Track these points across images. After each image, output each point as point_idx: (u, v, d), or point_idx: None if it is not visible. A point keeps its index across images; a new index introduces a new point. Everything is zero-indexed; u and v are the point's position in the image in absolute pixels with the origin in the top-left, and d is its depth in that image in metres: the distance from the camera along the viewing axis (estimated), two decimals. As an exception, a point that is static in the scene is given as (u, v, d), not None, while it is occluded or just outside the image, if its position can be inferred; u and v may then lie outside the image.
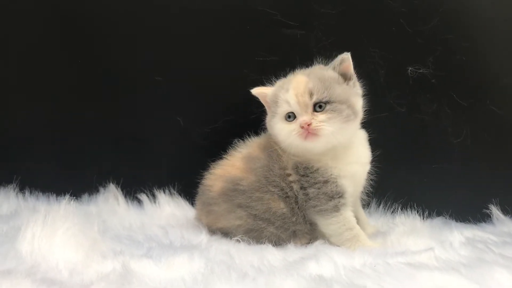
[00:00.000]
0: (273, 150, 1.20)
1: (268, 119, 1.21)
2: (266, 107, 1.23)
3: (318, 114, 1.11)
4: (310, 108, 1.11)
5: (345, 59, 1.17)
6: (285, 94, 1.13)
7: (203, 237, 1.16)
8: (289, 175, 1.18)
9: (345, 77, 1.18)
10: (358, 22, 1.46)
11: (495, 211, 1.43)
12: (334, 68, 1.18)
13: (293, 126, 1.12)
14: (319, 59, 1.27)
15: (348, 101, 1.14)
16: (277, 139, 1.17)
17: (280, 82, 1.22)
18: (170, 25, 1.49)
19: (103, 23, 1.50)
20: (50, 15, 1.51)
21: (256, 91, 1.22)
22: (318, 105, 1.11)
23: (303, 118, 1.10)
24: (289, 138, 1.11)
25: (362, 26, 1.46)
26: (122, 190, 1.47)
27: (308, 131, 1.09)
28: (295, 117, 1.13)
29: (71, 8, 1.50)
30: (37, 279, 0.78)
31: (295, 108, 1.12)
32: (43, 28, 1.51)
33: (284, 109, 1.13)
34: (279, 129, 1.14)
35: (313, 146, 1.12)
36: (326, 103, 1.12)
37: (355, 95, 1.17)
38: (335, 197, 1.15)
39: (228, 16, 1.48)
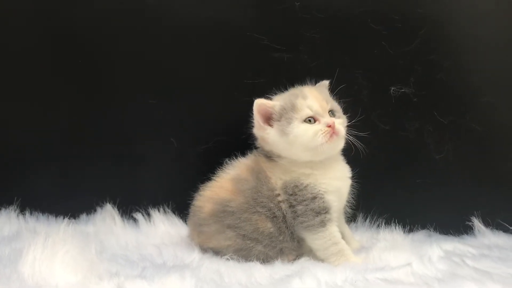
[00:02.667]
0: (261, 171, 1.26)
1: (274, 129, 1.24)
2: (262, 119, 1.25)
3: (334, 118, 1.23)
4: (327, 113, 1.23)
5: (327, 84, 1.34)
6: (305, 101, 1.23)
7: (195, 255, 1.22)
8: (278, 195, 1.25)
9: None
10: (342, 45, 1.52)
11: (476, 223, 1.48)
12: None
13: (319, 126, 1.21)
14: (307, 82, 1.35)
15: (341, 112, 1.29)
16: (295, 142, 1.21)
17: (286, 94, 1.29)
18: (163, 51, 1.55)
19: (100, 48, 1.56)
20: (45, 32, 1.56)
21: (261, 101, 1.26)
22: (331, 112, 1.25)
23: (329, 119, 1.21)
24: (316, 137, 1.20)
25: (346, 48, 1.52)
26: (118, 209, 1.52)
27: (333, 130, 1.19)
28: (314, 121, 1.22)
29: (64, 26, 1.56)
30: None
31: (318, 112, 1.22)
32: (37, 47, 1.57)
33: (305, 113, 1.22)
34: (304, 129, 1.21)
35: (332, 147, 1.22)
36: (335, 112, 1.26)
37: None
38: (321, 212, 1.22)
39: (218, 41, 1.54)
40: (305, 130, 1.21)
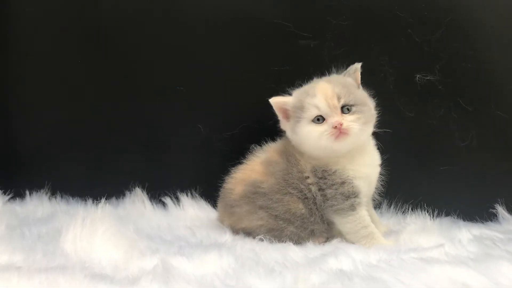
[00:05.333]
0: (291, 154, 1.28)
1: (289, 126, 1.27)
2: (282, 115, 1.29)
3: (346, 116, 1.20)
4: (339, 111, 1.20)
5: (358, 68, 1.28)
6: (313, 99, 1.21)
7: (228, 236, 1.24)
8: (307, 177, 1.26)
9: (357, 84, 1.28)
10: (368, 32, 1.53)
11: (501, 210, 1.49)
12: (349, 76, 1.28)
13: (324, 127, 1.19)
14: (332, 69, 1.35)
15: (367, 103, 1.25)
16: (303, 142, 1.23)
17: (299, 91, 1.29)
18: (190, 38, 1.57)
19: (128, 36, 1.59)
20: (71, 25, 1.60)
21: (276, 99, 1.28)
22: (345, 107, 1.20)
23: (335, 119, 1.18)
24: (321, 139, 1.19)
25: (372, 36, 1.53)
26: (147, 193, 1.55)
27: (340, 130, 1.17)
28: (323, 120, 1.20)
29: (94, 17, 1.59)
30: (88, 274, 0.86)
31: (325, 111, 1.19)
32: (65, 38, 1.60)
33: (312, 112, 1.20)
34: (309, 131, 1.20)
35: (341, 146, 1.20)
36: (352, 106, 1.21)
37: (369, 98, 1.28)
38: (351, 197, 1.23)
39: (245, 28, 1.56)
40: (309, 131, 1.20)
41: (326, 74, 1.36)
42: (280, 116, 1.29)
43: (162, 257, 0.95)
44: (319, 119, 1.20)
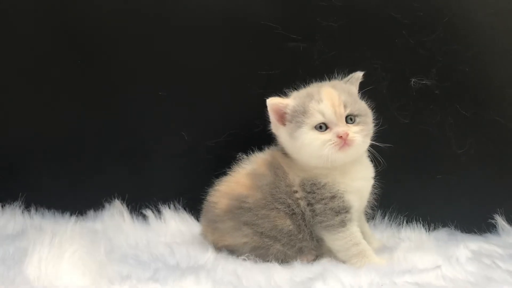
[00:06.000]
0: (279, 167, 1.20)
1: (284, 131, 1.18)
2: (276, 118, 1.20)
3: (351, 126, 1.13)
4: (344, 120, 1.13)
5: (360, 77, 1.23)
6: (319, 105, 1.13)
7: (210, 255, 1.16)
8: (296, 192, 1.19)
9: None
10: (360, 34, 1.46)
11: (500, 221, 1.43)
12: (351, 84, 1.22)
13: (328, 136, 1.12)
14: (336, 75, 1.27)
15: (368, 115, 1.19)
16: (302, 149, 1.15)
17: (301, 93, 1.20)
18: (171, 41, 1.49)
19: (105, 39, 1.50)
20: (48, 28, 1.50)
21: (274, 100, 1.19)
22: (349, 117, 1.14)
23: (341, 128, 1.11)
24: (323, 148, 1.11)
25: (365, 38, 1.46)
26: (127, 205, 1.47)
27: (344, 141, 1.10)
28: (326, 128, 1.13)
29: (72, 20, 1.50)
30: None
31: (331, 119, 1.12)
32: (40, 42, 1.51)
33: (317, 119, 1.13)
34: (311, 138, 1.13)
35: (342, 157, 1.13)
36: (355, 116, 1.15)
37: (370, 110, 1.21)
38: (341, 212, 1.16)
39: (230, 30, 1.48)
40: (312, 139, 1.13)
41: (317, 78, 1.29)
42: (274, 119, 1.20)
43: (132, 285, 0.87)
44: (322, 127, 1.13)
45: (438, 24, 1.43)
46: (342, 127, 1.12)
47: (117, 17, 1.49)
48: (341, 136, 1.10)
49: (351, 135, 1.11)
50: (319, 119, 1.13)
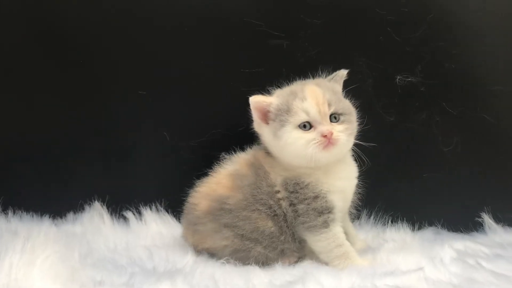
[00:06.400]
0: (260, 167, 1.18)
1: (268, 129, 1.16)
2: (260, 117, 1.17)
3: (335, 125, 1.11)
4: (328, 118, 1.11)
5: (344, 75, 1.21)
6: (303, 103, 1.11)
7: (189, 258, 1.14)
8: (278, 192, 1.16)
9: None
10: (344, 31, 1.44)
11: (487, 219, 1.42)
12: (335, 82, 1.20)
13: (312, 135, 1.10)
14: (320, 72, 1.25)
15: (352, 113, 1.17)
16: (286, 148, 1.12)
17: (284, 91, 1.18)
18: (152, 39, 1.46)
19: (87, 38, 1.46)
20: (26, 25, 1.46)
21: (257, 98, 1.16)
22: (333, 116, 1.12)
23: (325, 127, 1.09)
24: (307, 147, 1.09)
25: (349, 35, 1.44)
26: (107, 207, 1.44)
27: (329, 140, 1.08)
28: (310, 127, 1.11)
29: (55, 21, 1.46)
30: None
31: (315, 118, 1.10)
32: (21, 41, 1.47)
33: (300, 118, 1.11)
34: (295, 137, 1.11)
35: (326, 157, 1.11)
36: (340, 114, 1.13)
37: (354, 108, 1.19)
38: (324, 212, 1.14)
39: (213, 28, 1.45)
40: (295, 138, 1.10)
41: (301, 76, 1.27)
42: (257, 118, 1.18)
43: (102, 292, 0.85)
44: (306, 126, 1.11)
45: (423, 21, 1.41)
46: (326, 126, 1.10)
47: (98, 19, 1.46)
48: (325, 135, 1.08)
49: (335, 134, 1.09)
50: (303, 117, 1.11)
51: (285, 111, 1.12)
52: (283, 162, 1.17)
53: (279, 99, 1.15)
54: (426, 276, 0.97)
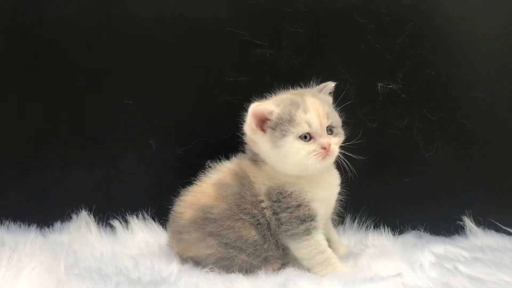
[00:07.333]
0: (245, 176, 1.20)
1: (265, 138, 1.16)
2: (257, 124, 1.16)
3: (331, 137, 1.15)
4: (325, 131, 1.15)
5: (332, 87, 1.26)
6: (306, 115, 1.13)
7: (174, 267, 1.15)
8: (262, 201, 1.18)
9: None
10: (327, 39, 1.46)
11: (468, 222, 1.45)
12: (325, 94, 1.24)
13: (313, 146, 1.13)
14: (312, 82, 1.28)
15: (340, 126, 1.21)
16: (285, 157, 1.13)
17: (285, 100, 1.17)
18: (137, 49, 1.47)
19: (74, 47, 1.47)
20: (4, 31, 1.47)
21: (259, 107, 1.15)
22: (329, 128, 1.16)
23: (325, 140, 1.13)
24: (308, 158, 1.12)
25: (331, 43, 1.47)
26: (94, 216, 1.45)
27: (327, 152, 1.12)
28: (309, 138, 1.13)
29: (31, 23, 1.47)
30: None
31: (316, 130, 1.13)
32: (3, 48, 1.47)
33: (303, 129, 1.13)
34: (297, 148, 1.12)
35: (322, 166, 1.15)
36: (334, 127, 1.17)
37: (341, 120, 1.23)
38: (306, 220, 1.16)
39: (197, 38, 1.46)
40: (298, 148, 1.12)
41: (285, 84, 1.29)
42: (253, 125, 1.16)
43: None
44: (306, 137, 1.13)
45: (404, 28, 1.44)
46: (326, 139, 1.13)
47: (82, 27, 1.47)
48: (325, 147, 1.12)
49: (332, 146, 1.13)
50: (305, 129, 1.13)
51: (288, 121, 1.13)
52: (273, 170, 1.18)
53: (281, 108, 1.15)
54: (404, 281, 0.99)
